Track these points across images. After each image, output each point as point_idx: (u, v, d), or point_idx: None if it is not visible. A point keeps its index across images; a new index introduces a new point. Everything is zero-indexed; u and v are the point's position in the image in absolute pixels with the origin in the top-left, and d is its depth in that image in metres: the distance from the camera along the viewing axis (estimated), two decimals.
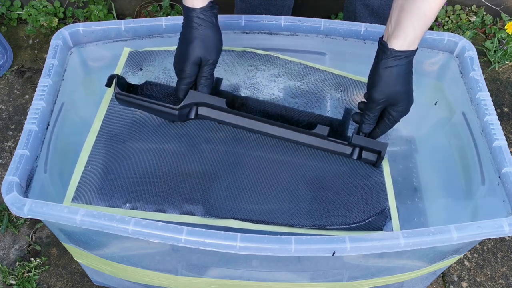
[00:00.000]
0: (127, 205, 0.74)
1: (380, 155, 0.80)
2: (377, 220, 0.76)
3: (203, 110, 0.82)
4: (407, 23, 0.69)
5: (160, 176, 0.77)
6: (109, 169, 0.77)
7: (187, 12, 0.75)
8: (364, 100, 0.79)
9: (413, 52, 0.71)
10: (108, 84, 0.83)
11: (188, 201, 0.75)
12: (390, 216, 0.76)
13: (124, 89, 0.84)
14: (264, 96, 0.90)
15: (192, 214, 0.74)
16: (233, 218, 0.74)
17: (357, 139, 0.80)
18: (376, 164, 0.81)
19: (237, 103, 0.89)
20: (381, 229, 0.75)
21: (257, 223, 0.74)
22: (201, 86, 0.79)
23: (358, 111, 0.83)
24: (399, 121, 0.77)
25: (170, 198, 0.75)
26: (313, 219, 0.75)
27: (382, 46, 0.72)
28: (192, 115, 0.82)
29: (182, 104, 0.79)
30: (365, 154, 0.81)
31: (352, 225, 0.75)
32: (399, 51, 0.70)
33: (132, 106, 0.83)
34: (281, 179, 0.79)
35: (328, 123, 0.88)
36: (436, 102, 0.97)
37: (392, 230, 0.75)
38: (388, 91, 0.73)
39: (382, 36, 0.74)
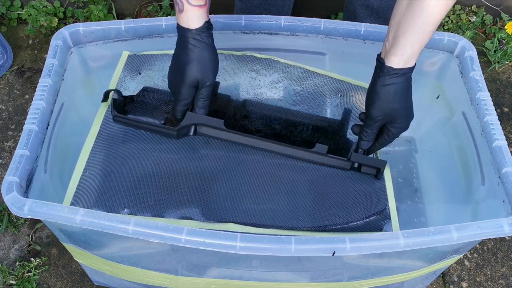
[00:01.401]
0: (125, 210, 0.73)
1: (379, 171, 0.80)
2: (376, 220, 0.76)
3: (202, 129, 0.82)
4: (404, 40, 0.68)
5: (158, 181, 0.77)
6: (107, 174, 0.77)
7: (182, 33, 0.73)
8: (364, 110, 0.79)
9: (411, 69, 0.70)
10: (104, 99, 0.83)
11: (186, 206, 0.74)
12: (389, 216, 0.76)
13: (121, 108, 0.83)
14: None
15: (191, 218, 0.73)
16: (233, 222, 0.73)
17: (356, 157, 0.80)
18: (377, 177, 0.81)
19: (234, 108, 0.89)
20: (380, 230, 0.75)
21: (257, 226, 0.74)
22: (198, 108, 0.78)
23: (358, 111, 0.83)
24: (398, 137, 0.77)
25: (168, 203, 0.74)
26: (313, 220, 0.75)
27: (380, 63, 0.71)
28: (191, 133, 0.82)
29: (180, 126, 0.79)
30: (364, 169, 0.81)
31: (351, 225, 0.75)
32: (396, 69, 0.70)
33: (130, 126, 0.82)
34: (280, 181, 0.79)
35: (327, 124, 0.89)
36: (438, 96, 0.96)
37: (392, 231, 0.75)
38: (386, 109, 0.73)
39: (380, 53, 0.73)
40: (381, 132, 0.77)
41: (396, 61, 0.69)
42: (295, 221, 0.74)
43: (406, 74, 0.70)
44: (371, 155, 0.81)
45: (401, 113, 0.73)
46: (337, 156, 0.81)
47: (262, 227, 0.73)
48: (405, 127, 0.75)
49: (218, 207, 0.75)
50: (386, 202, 0.78)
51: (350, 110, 0.90)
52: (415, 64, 0.71)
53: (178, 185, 0.77)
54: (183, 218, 0.73)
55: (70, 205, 0.73)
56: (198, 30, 0.73)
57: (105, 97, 0.83)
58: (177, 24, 0.74)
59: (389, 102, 0.72)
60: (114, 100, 0.81)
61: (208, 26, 0.74)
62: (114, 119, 0.82)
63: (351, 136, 0.88)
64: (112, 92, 0.83)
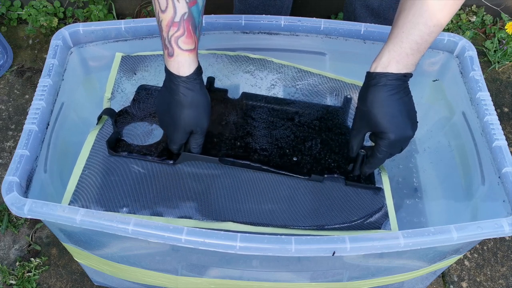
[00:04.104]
0: (124, 209, 0.73)
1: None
2: (375, 220, 0.76)
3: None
4: (384, 47, 0.70)
5: (157, 181, 0.77)
6: (106, 173, 0.77)
7: (172, 78, 0.70)
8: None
9: (385, 75, 0.69)
10: (98, 121, 0.83)
11: (185, 205, 0.75)
12: (388, 215, 0.76)
13: (118, 139, 0.82)
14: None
15: (190, 217, 0.73)
16: (231, 221, 0.74)
17: (351, 185, 0.80)
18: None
19: (230, 104, 0.89)
20: (379, 228, 0.75)
21: (256, 225, 0.74)
22: (192, 148, 0.78)
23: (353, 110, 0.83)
24: (387, 152, 0.73)
25: (167, 202, 0.75)
26: (311, 219, 0.75)
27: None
28: None
29: (175, 162, 0.79)
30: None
31: (350, 224, 0.75)
32: (371, 73, 0.70)
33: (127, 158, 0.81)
34: (279, 182, 0.79)
35: (325, 112, 0.89)
36: (435, 80, 0.96)
37: (390, 229, 0.75)
38: (364, 112, 0.72)
39: None
40: (374, 147, 0.76)
41: (373, 66, 0.71)
42: (294, 220, 0.75)
43: (380, 78, 0.69)
44: (368, 180, 0.81)
45: (381, 121, 0.70)
46: (338, 142, 0.84)
47: (261, 225, 0.74)
48: (394, 142, 0.71)
49: (217, 207, 0.75)
50: (384, 201, 0.78)
51: (351, 98, 0.90)
52: (398, 73, 0.69)
53: (177, 185, 0.77)
54: (181, 217, 0.73)
55: (69, 204, 0.73)
56: (189, 78, 0.70)
57: (99, 120, 0.83)
58: (166, 69, 0.71)
59: (365, 105, 0.71)
60: (108, 142, 0.79)
61: (198, 72, 0.71)
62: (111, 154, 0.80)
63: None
64: (107, 117, 0.83)
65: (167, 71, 0.71)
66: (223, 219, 0.74)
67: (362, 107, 0.72)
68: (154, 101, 0.87)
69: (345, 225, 0.75)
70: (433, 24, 0.66)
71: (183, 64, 0.69)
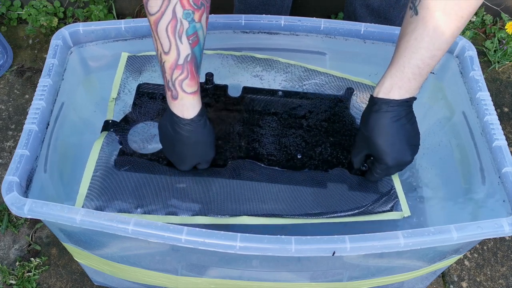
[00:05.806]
0: (139, 210, 0.74)
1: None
2: (385, 202, 0.77)
3: None
4: (387, 72, 0.70)
5: (170, 179, 0.77)
6: (117, 175, 0.77)
7: (176, 121, 0.70)
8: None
9: (386, 101, 0.69)
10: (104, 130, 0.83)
11: (199, 203, 0.75)
12: (397, 196, 0.78)
13: (124, 151, 0.82)
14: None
15: (205, 215, 0.74)
16: (246, 215, 0.74)
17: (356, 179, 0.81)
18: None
19: (231, 101, 0.89)
20: (391, 210, 0.77)
21: (270, 217, 0.74)
22: (199, 167, 0.79)
23: (359, 109, 0.82)
24: (383, 174, 0.75)
25: (181, 200, 0.75)
26: (323, 207, 0.76)
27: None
28: None
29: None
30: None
31: (363, 209, 0.76)
32: (374, 98, 0.70)
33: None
34: (287, 176, 0.80)
35: (328, 102, 0.90)
36: (431, 72, 0.96)
37: (401, 210, 0.77)
38: (362, 135, 0.73)
39: None
40: (372, 166, 0.77)
41: (376, 90, 0.71)
42: (307, 209, 0.76)
43: (382, 104, 0.69)
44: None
45: (380, 148, 0.71)
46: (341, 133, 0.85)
47: (274, 217, 0.74)
48: (391, 167, 0.73)
49: (231, 203, 0.76)
50: (392, 184, 0.79)
51: (352, 89, 0.90)
52: (400, 99, 0.69)
53: (189, 185, 0.77)
54: (196, 215, 0.74)
55: (82, 207, 0.73)
56: (194, 120, 0.69)
57: (104, 127, 0.84)
58: (169, 110, 0.70)
59: (366, 130, 0.72)
60: (115, 162, 0.80)
61: (202, 113, 0.70)
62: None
63: (355, 115, 0.89)
64: (109, 131, 0.83)
65: (170, 111, 0.70)
66: (237, 214, 0.74)
67: (364, 131, 0.73)
68: (158, 136, 0.83)
69: (357, 210, 0.76)
70: (435, 48, 0.65)
71: (187, 108, 0.69)
